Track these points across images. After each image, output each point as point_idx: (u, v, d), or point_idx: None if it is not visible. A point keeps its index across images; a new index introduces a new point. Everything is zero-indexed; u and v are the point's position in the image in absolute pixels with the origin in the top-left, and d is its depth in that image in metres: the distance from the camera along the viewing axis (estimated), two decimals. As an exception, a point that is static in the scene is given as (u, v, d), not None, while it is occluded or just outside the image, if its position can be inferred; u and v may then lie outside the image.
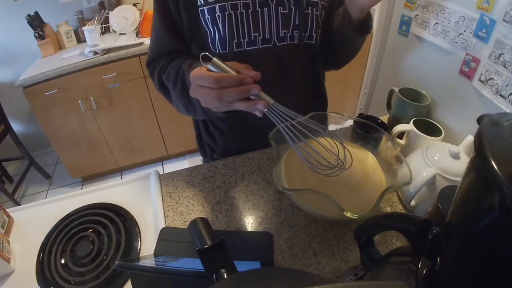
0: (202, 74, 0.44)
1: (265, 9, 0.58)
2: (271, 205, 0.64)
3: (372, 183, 0.58)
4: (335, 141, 0.49)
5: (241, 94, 0.42)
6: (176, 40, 0.63)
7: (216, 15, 0.57)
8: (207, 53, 0.45)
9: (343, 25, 0.61)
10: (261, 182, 0.70)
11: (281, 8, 0.59)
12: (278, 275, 0.27)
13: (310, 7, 0.60)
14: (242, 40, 0.60)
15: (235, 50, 0.60)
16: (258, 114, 0.44)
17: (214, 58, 0.44)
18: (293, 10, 0.59)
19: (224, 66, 0.44)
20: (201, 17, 0.59)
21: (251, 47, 0.61)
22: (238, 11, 0.57)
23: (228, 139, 0.75)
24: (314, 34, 0.63)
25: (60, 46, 1.94)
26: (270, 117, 0.45)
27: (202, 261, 0.32)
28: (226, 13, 0.57)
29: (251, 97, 0.43)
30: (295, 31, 0.62)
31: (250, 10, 0.57)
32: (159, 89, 0.67)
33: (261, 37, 0.60)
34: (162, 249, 0.56)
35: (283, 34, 0.61)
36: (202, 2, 0.57)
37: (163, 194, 0.69)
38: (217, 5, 0.56)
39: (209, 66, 0.44)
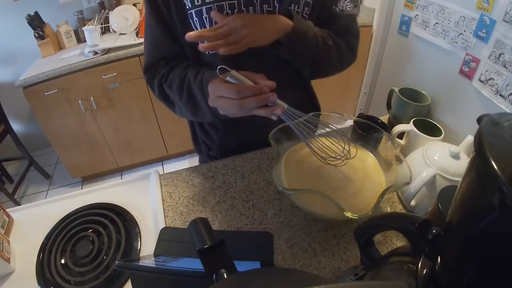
0: (222, 86, 0.48)
1: (250, 8, 0.59)
2: (271, 205, 0.64)
3: (372, 183, 0.58)
4: (340, 135, 0.55)
5: (260, 102, 0.47)
6: (172, 42, 0.64)
7: (203, 17, 0.59)
8: (224, 66, 0.49)
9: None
10: (261, 182, 0.70)
11: (266, 6, 0.60)
12: (278, 275, 0.27)
13: (292, 4, 0.61)
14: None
15: None
16: (274, 118, 0.48)
17: (232, 71, 0.48)
18: (277, 7, 0.61)
19: (242, 77, 0.48)
20: (190, 20, 0.60)
21: None
22: (224, 12, 0.58)
23: (224, 136, 0.76)
24: None
25: (60, 46, 1.94)
26: (285, 120, 0.49)
27: (202, 261, 0.32)
28: None
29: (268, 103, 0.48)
30: None
31: (235, 11, 0.59)
32: (160, 97, 0.67)
33: None
34: (162, 249, 0.56)
35: None
36: (190, 5, 0.59)
37: (163, 194, 0.69)
38: (203, 7, 0.58)
39: (228, 78, 0.48)
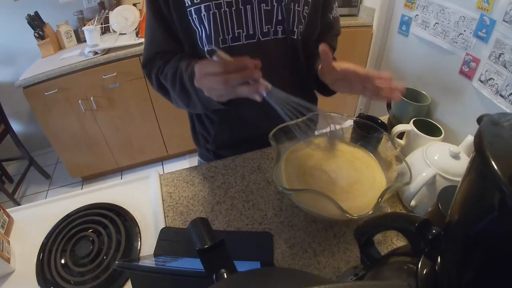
0: (208, 63, 0.49)
1: (248, 6, 0.61)
2: (271, 205, 0.64)
3: (372, 183, 0.58)
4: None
5: (245, 78, 0.47)
6: (170, 40, 0.66)
7: (202, 14, 0.60)
8: (212, 47, 0.50)
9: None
10: (261, 182, 0.70)
11: (264, 5, 0.61)
12: (278, 275, 0.27)
13: (292, 3, 0.63)
14: (226, 37, 0.62)
15: (220, 46, 0.63)
16: (257, 98, 0.48)
17: (218, 50, 0.48)
18: (276, 6, 0.62)
19: (228, 56, 0.49)
20: (189, 17, 0.62)
21: (235, 43, 0.63)
22: (222, 10, 0.60)
23: (219, 130, 0.77)
24: (295, 29, 0.66)
25: (60, 46, 1.94)
26: (269, 101, 0.50)
27: (202, 261, 0.32)
28: (211, 12, 0.60)
29: (250, 82, 0.49)
30: (278, 26, 0.64)
31: (233, 8, 0.60)
32: (158, 89, 0.70)
33: (245, 33, 0.63)
34: (162, 249, 0.56)
35: (266, 30, 0.64)
36: (189, 3, 0.60)
37: (163, 194, 0.69)
38: (202, 5, 0.59)
39: (214, 57, 0.49)
